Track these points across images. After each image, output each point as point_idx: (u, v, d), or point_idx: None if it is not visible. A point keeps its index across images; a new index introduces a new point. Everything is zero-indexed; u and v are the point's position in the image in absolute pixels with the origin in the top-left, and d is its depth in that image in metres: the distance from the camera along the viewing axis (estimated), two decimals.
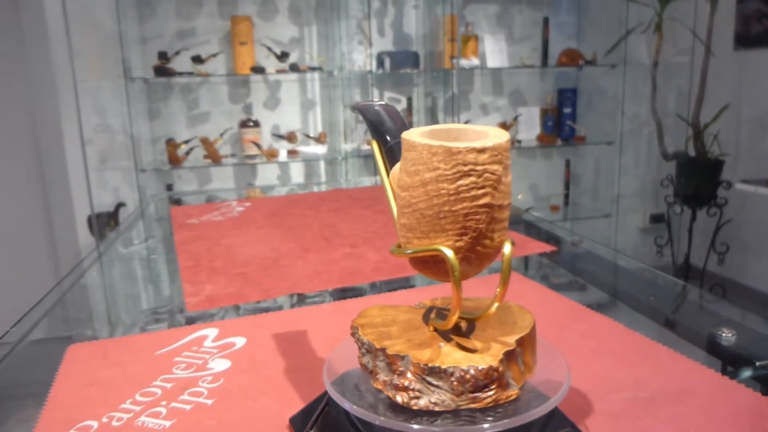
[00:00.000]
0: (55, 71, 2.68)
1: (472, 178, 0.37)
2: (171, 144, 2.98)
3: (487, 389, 0.38)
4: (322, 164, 3.19)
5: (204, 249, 1.06)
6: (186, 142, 3.00)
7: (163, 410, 0.55)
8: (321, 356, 0.65)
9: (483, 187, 0.37)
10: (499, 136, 0.39)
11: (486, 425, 0.37)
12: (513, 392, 0.39)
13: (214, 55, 2.93)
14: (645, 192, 3.32)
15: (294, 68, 2.95)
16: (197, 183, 3.15)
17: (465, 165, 0.37)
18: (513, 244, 0.41)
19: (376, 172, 3.19)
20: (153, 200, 1.82)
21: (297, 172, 3.21)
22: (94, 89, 2.84)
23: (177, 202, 1.77)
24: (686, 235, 2.96)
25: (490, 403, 0.38)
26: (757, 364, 0.57)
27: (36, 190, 2.90)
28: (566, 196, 3.37)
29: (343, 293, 0.84)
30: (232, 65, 2.96)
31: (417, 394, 0.39)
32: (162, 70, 2.87)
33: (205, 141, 2.98)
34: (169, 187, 3.09)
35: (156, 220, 1.47)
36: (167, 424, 0.53)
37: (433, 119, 3.16)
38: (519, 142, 3.17)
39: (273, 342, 0.69)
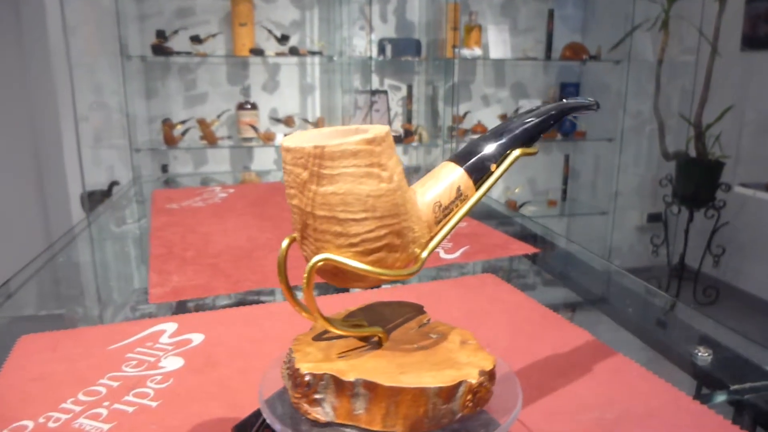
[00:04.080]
0: (51, 48, 2.65)
1: (286, 176, 0.36)
2: (167, 124, 2.94)
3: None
4: None
5: (178, 236, 1.03)
6: (182, 122, 2.96)
7: (104, 412, 0.53)
8: (280, 357, 0.62)
9: (291, 187, 0.35)
10: (336, 141, 0.34)
11: None
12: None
13: (214, 36, 2.88)
14: (643, 190, 3.28)
15: (294, 52, 2.91)
16: (193, 164, 3.12)
17: (284, 161, 0.35)
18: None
19: None
20: (143, 181, 1.79)
21: None
22: (89, 66, 2.80)
23: (170, 183, 1.74)
24: (683, 235, 2.93)
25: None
26: (732, 388, 0.54)
27: (30, 166, 2.87)
28: (564, 191, 3.33)
29: (316, 289, 0.81)
30: (232, 46, 2.91)
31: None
32: (160, 49, 2.82)
33: (201, 122, 2.94)
34: (164, 168, 3.07)
35: (140, 202, 1.44)
36: (105, 427, 0.50)
37: (432, 108, 3.12)
38: None
39: (232, 340, 0.66)
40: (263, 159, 3.15)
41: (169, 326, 0.70)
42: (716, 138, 2.67)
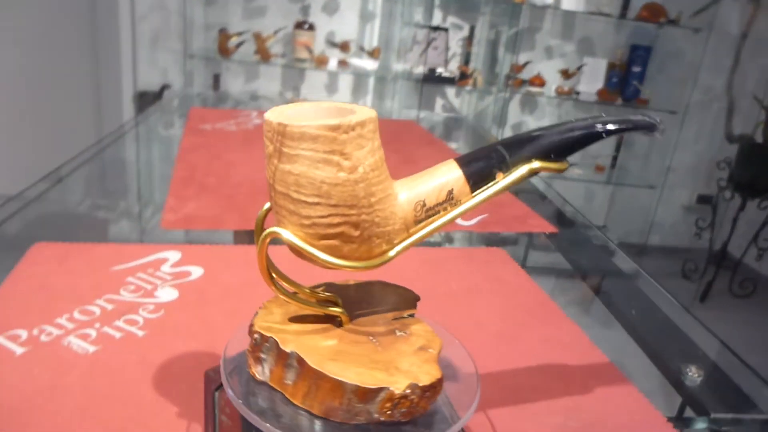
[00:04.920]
0: None
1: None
2: (223, 34, 2.92)
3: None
4: (371, 81, 3.10)
5: (204, 161, 1.05)
6: (238, 34, 2.94)
7: (93, 333, 0.55)
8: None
9: (264, 157, 0.35)
10: (301, 122, 0.33)
11: None
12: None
13: None
14: (698, 170, 3.13)
15: None
16: (244, 78, 3.11)
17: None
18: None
19: (422, 99, 3.09)
20: (193, 91, 1.81)
21: (345, 84, 3.13)
22: None
23: (218, 94, 1.75)
24: (730, 223, 2.81)
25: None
26: (712, 416, 0.53)
27: (88, 60, 2.92)
28: (614, 158, 3.21)
29: None
30: None
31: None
32: None
33: (257, 36, 2.91)
34: (216, 78, 3.07)
35: (183, 116, 1.46)
36: (90, 349, 0.53)
37: (492, 53, 3.00)
38: (578, 93, 3.00)
39: (230, 279, 0.68)
40: (314, 82, 3.12)
41: (173, 255, 0.72)
42: None
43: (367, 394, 0.33)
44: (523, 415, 0.50)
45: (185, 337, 0.56)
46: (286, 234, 0.36)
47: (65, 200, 0.93)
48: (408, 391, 0.33)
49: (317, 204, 0.34)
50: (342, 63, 2.95)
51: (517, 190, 1.19)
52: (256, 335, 0.38)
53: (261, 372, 0.38)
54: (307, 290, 0.41)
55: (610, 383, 0.55)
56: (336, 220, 0.34)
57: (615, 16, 2.91)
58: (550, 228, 0.92)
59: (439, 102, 3.14)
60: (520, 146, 0.36)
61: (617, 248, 0.91)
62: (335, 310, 0.40)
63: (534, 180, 1.31)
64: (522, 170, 0.35)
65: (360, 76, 3.07)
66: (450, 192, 0.35)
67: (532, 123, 3.18)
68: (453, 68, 3.06)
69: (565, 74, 3.00)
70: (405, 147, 1.28)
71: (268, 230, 0.36)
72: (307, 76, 3.11)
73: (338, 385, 0.33)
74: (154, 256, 0.71)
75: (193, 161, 1.04)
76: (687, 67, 2.91)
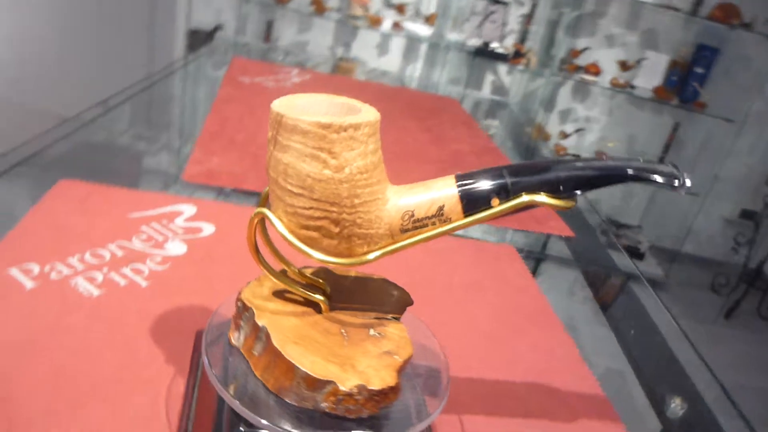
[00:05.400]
0: None
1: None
2: None
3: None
4: (423, 47, 3.05)
5: (236, 115, 1.06)
6: None
7: (100, 277, 0.58)
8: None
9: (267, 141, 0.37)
10: (299, 115, 0.34)
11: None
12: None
13: None
14: (746, 183, 3.02)
15: None
16: (297, 28, 3.10)
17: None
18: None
19: (472, 73, 3.03)
20: (244, 37, 1.82)
21: (396, 47, 3.09)
22: None
23: (268, 42, 1.76)
24: None
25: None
26: None
27: None
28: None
29: None
30: None
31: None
32: None
33: None
34: (269, 24, 3.07)
35: (224, 64, 1.47)
36: (95, 293, 0.55)
37: (550, 36, 2.91)
38: (633, 87, 2.90)
39: (239, 240, 0.69)
40: (366, 41, 3.08)
41: (188, 209, 0.73)
42: None
43: (315, 384, 0.34)
44: (496, 424, 0.50)
45: (187, 293, 0.58)
46: (272, 217, 0.37)
47: (111, 128, 0.97)
48: (354, 390, 0.34)
49: (300, 195, 0.35)
50: (396, 25, 2.90)
51: None
52: (239, 303, 0.40)
53: (236, 338, 0.40)
54: (297, 271, 0.42)
55: (590, 405, 0.55)
56: (317, 213, 0.35)
57: (685, 12, 2.78)
58: (567, 231, 0.91)
59: (488, 78, 3.07)
60: (529, 174, 0.35)
61: (632, 262, 0.90)
62: (316, 296, 0.41)
63: None
64: (520, 200, 0.35)
65: (412, 41, 3.02)
66: (441, 208, 0.35)
67: (580, 111, 3.10)
68: (508, 45, 2.99)
69: (624, 66, 2.89)
70: (439, 126, 1.27)
71: (257, 210, 0.38)
72: (360, 34, 3.07)
73: (291, 368, 0.35)
74: (170, 207, 0.73)
75: (226, 114, 1.05)
76: (753, 74, 2.78)
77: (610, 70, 2.91)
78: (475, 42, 2.94)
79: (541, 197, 0.35)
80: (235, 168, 0.87)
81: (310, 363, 0.35)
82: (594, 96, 3.06)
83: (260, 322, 0.38)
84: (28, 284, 0.55)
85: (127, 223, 0.68)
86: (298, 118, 0.34)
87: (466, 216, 0.35)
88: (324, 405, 0.35)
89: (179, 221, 0.71)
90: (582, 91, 3.05)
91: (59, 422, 0.41)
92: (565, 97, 3.07)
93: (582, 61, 2.92)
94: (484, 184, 0.35)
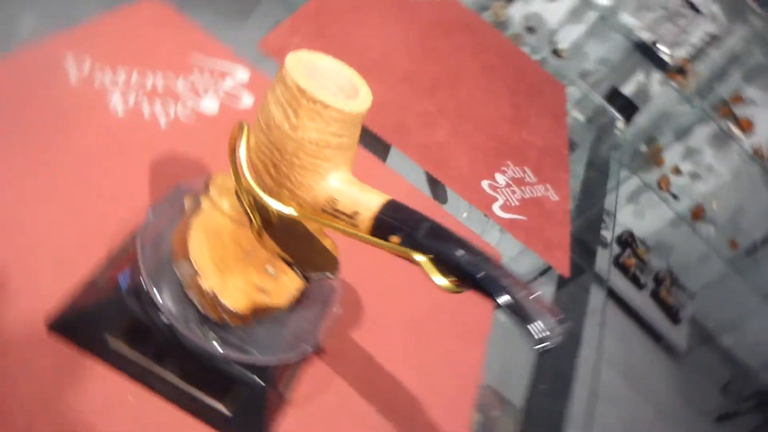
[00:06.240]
0: None
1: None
2: None
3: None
4: (591, 16, 2.86)
5: (340, 10, 1.06)
6: None
7: (131, 101, 0.65)
8: None
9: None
10: (293, 69, 0.38)
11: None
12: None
13: None
14: None
15: None
16: None
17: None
18: None
19: (621, 63, 2.83)
20: None
21: (563, 7, 2.91)
22: None
23: None
24: None
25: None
26: None
27: None
28: (755, 246, 2.90)
29: None
30: None
31: None
32: None
33: None
34: None
35: None
36: (119, 112, 0.63)
37: (722, 70, 2.66)
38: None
39: None
40: None
41: (242, 75, 0.78)
42: None
43: (189, 267, 0.42)
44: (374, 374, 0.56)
45: (194, 154, 0.64)
46: (243, 135, 0.42)
47: None
48: (208, 291, 0.41)
49: (262, 131, 0.40)
50: None
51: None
52: (206, 181, 0.47)
53: (188, 205, 0.47)
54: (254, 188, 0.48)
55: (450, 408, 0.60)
56: (265, 150, 0.40)
57: None
58: (565, 271, 0.91)
59: (635, 77, 2.87)
60: (439, 241, 0.36)
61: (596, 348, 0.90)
62: (255, 217, 0.45)
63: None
64: (412, 256, 0.37)
65: (585, 3, 2.83)
66: (356, 214, 0.39)
67: (708, 157, 2.87)
68: (677, 55, 2.75)
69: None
70: (527, 108, 1.24)
71: (245, 124, 0.42)
72: None
73: (185, 247, 0.42)
74: (229, 64, 0.78)
75: (331, 4, 1.06)
76: None
77: (762, 134, 2.66)
78: (644, 35, 2.72)
79: (431, 269, 0.36)
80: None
81: (198, 250, 0.42)
82: (729, 150, 2.82)
83: (203, 203, 0.44)
84: (73, 77, 0.62)
85: (183, 60, 0.74)
86: (288, 72, 0.38)
87: (370, 233, 0.38)
88: (186, 283, 0.42)
89: (228, 82, 0.76)
90: (720, 139, 2.82)
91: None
92: (700, 134, 2.85)
93: (739, 110, 2.68)
94: (399, 223, 0.38)
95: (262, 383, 0.48)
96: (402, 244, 0.37)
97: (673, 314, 2.86)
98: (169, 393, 0.47)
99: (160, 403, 0.46)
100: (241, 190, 0.46)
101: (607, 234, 2.65)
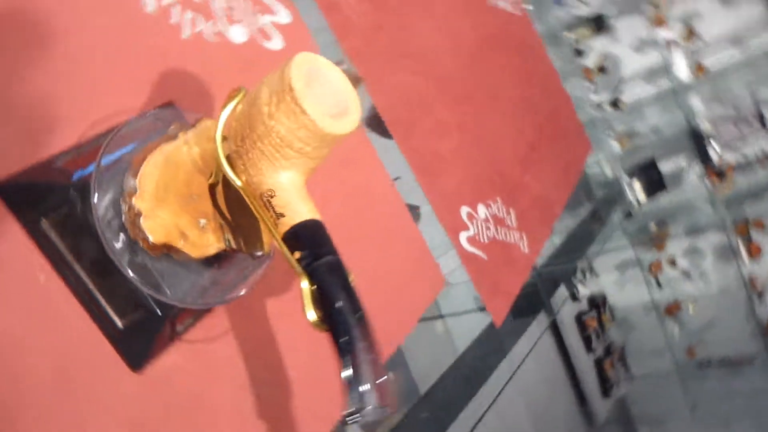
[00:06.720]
0: None
1: None
2: None
3: None
4: (664, 81, 2.81)
5: None
6: None
7: (189, 17, 0.65)
8: None
9: None
10: (294, 72, 0.41)
11: None
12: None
13: None
14: None
15: None
16: None
17: None
18: None
19: (669, 139, 2.80)
20: None
21: (650, 59, 2.85)
22: None
23: None
24: None
25: None
26: None
27: None
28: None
29: None
30: None
31: None
32: None
33: None
34: None
35: None
36: (172, 22, 0.63)
37: (760, 189, 2.63)
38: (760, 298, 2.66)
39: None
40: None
41: (284, 17, 0.78)
42: None
43: (133, 186, 0.47)
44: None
45: (201, 76, 0.65)
46: (236, 99, 0.45)
47: None
48: (136, 209, 0.46)
49: (248, 102, 0.43)
50: (669, 44, 2.65)
51: None
52: (194, 119, 0.50)
53: (171, 130, 0.50)
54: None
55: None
56: (242, 119, 0.43)
57: None
58: (499, 317, 0.94)
59: (676, 159, 2.83)
60: (330, 277, 0.40)
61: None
62: (230, 174, 0.47)
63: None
64: (303, 279, 0.40)
65: (663, 71, 2.75)
66: (281, 216, 0.42)
67: (704, 263, 2.86)
68: (725, 157, 2.72)
69: None
70: (548, 147, 1.24)
71: (244, 90, 0.45)
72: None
73: (139, 168, 0.46)
74: (274, 4, 0.78)
75: None
76: None
77: (765, 266, 2.66)
78: (705, 125, 2.69)
79: (308, 299, 0.39)
80: (360, 22, 0.90)
81: (150, 172, 0.46)
82: (729, 266, 2.82)
83: (180, 137, 0.48)
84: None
85: None
86: (290, 67, 0.41)
87: (281, 238, 0.41)
88: (123, 195, 0.46)
89: (265, 18, 0.76)
90: (726, 253, 2.81)
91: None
92: (709, 239, 2.85)
93: (756, 235, 2.67)
94: (308, 243, 0.40)
95: (160, 313, 0.51)
96: (299, 261, 0.40)
97: (606, 387, 2.91)
98: (77, 288, 0.50)
99: (65, 294, 0.49)
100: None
101: (582, 288, 2.67)
